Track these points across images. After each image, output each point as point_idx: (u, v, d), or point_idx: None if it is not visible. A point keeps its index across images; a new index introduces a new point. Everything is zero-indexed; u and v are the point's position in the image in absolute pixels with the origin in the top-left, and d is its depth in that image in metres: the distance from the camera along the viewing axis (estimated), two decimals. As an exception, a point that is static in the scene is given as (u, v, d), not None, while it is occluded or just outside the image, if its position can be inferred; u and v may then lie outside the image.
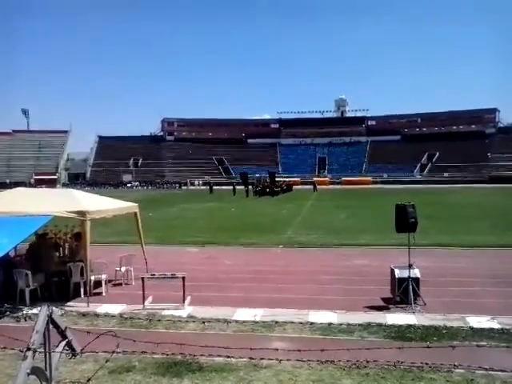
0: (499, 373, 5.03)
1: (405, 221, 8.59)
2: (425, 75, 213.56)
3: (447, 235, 17.08)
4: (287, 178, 68.56)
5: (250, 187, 50.25)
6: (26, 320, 5.53)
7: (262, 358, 5.34)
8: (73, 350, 4.72)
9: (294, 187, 59.69)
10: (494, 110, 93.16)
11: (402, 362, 3.98)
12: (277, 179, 56.67)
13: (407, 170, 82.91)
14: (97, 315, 7.24)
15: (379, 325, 7.38)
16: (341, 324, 7.11)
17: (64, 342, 4.59)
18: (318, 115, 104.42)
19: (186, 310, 8.52)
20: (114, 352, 4.59)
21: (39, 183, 67.88)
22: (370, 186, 71.29)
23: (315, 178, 69.40)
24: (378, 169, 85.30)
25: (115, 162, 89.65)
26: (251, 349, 3.91)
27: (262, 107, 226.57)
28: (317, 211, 29.42)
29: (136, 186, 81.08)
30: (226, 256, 14.18)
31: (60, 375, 5.27)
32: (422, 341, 6.52)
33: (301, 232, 19.11)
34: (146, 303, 8.82)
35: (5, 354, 5.87)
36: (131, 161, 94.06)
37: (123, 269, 10.76)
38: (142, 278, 8.96)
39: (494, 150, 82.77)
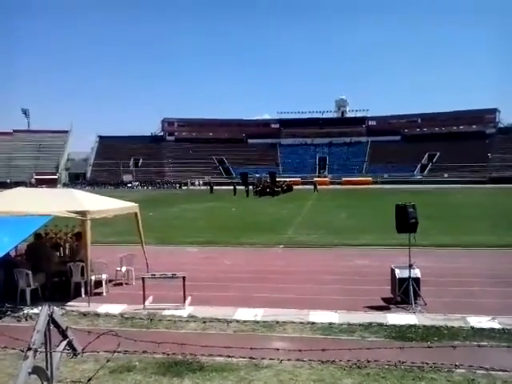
0: (500, 373, 5.03)
1: (405, 221, 8.58)
2: (425, 75, 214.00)
3: (448, 235, 17.08)
4: (287, 178, 68.56)
5: (251, 187, 50.31)
6: (26, 320, 5.54)
7: (262, 358, 5.36)
8: (74, 349, 4.73)
9: (295, 187, 59.73)
10: (494, 111, 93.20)
11: (402, 362, 3.99)
12: (277, 179, 56.74)
13: (407, 171, 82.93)
14: (97, 315, 7.25)
15: (380, 325, 7.37)
16: (341, 324, 7.12)
17: (65, 342, 4.60)
18: (319, 115, 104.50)
19: (186, 310, 8.52)
20: (114, 352, 4.59)
21: (40, 183, 67.83)
22: (371, 186, 71.37)
23: (316, 178, 69.50)
24: (378, 169, 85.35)
25: (115, 161, 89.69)
26: (252, 348, 3.92)
27: (262, 107, 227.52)
28: (317, 211, 29.44)
29: (136, 186, 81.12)
30: (226, 256, 14.18)
31: (61, 375, 5.26)
32: (423, 341, 6.52)
33: (301, 232, 19.11)
34: (147, 303, 8.82)
35: (6, 354, 5.86)
36: (131, 161, 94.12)
37: (124, 269, 10.77)
38: (143, 278, 8.96)
39: (495, 150, 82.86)
